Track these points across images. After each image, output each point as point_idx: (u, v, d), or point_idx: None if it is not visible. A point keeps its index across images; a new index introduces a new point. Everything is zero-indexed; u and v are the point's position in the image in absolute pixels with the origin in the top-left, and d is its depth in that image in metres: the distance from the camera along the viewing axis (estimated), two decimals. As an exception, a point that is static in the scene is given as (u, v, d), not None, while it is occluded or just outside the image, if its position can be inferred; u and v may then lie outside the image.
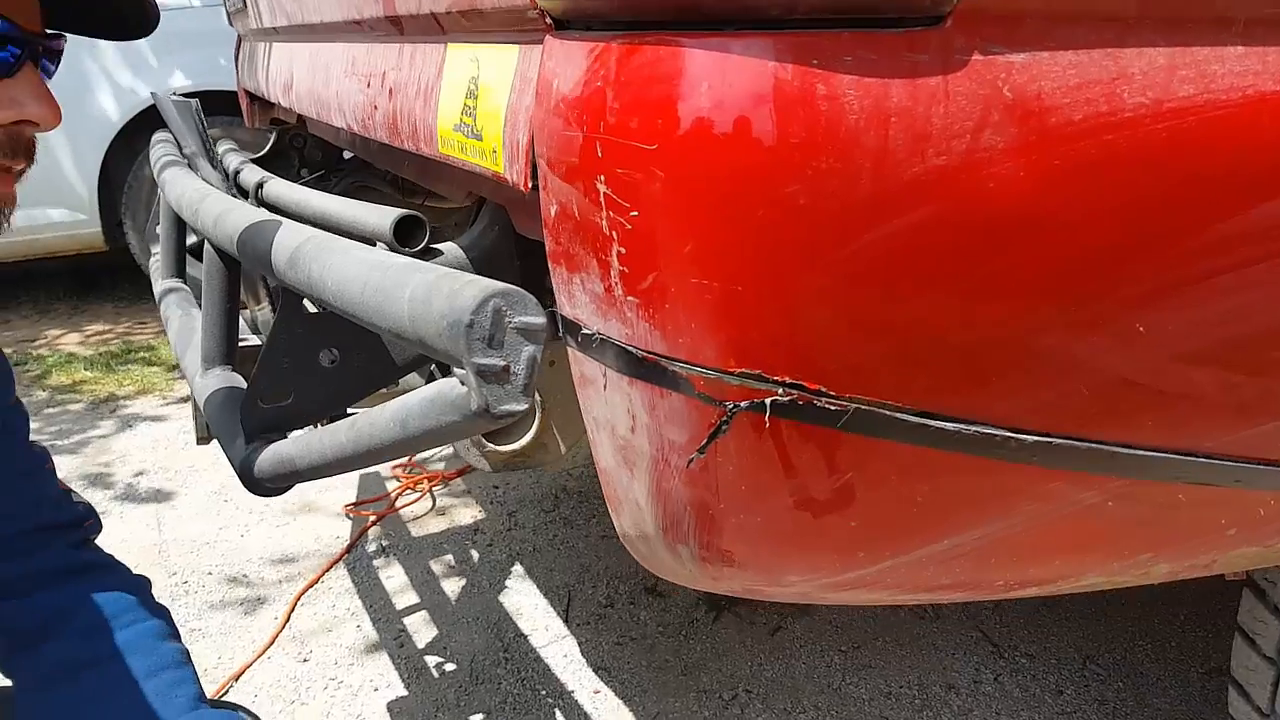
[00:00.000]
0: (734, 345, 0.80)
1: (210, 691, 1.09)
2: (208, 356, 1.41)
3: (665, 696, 2.06)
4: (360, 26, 1.36)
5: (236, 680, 2.17)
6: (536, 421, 1.36)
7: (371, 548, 2.68)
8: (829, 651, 2.19)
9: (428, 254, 1.18)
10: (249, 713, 1.15)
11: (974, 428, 0.84)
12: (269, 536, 2.77)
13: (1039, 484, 0.89)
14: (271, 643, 2.29)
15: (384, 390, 1.36)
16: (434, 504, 2.90)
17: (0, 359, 1.10)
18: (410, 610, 2.40)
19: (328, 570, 2.57)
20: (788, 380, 0.80)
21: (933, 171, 0.74)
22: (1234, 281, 0.83)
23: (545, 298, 0.88)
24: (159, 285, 1.94)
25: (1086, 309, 0.81)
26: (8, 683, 1.07)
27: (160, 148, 2.01)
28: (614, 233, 0.80)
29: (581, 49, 0.82)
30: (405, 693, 2.11)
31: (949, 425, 0.83)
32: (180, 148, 2.00)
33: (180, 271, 1.98)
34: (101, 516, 1.21)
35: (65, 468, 3.10)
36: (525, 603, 2.41)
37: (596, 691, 2.09)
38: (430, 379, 1.39)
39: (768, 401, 0.81)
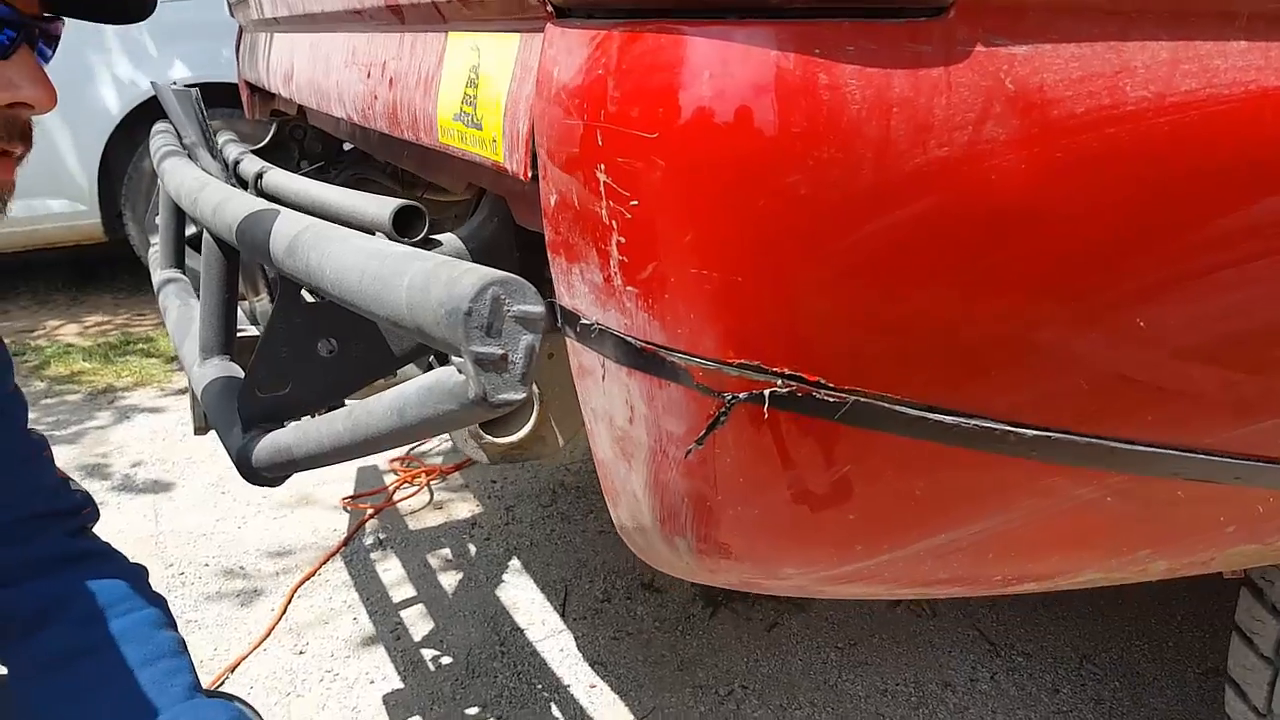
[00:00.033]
0: (733, 336, 0.79)
1: (206, 683, 1.08)
2: (206, 346, 1.41)
3: (661, 691, 2.06)
4: (361, 16, 1.36)
5: (232, 672, 2.16)
6: (535, 414, 1.35)
7: (369, 541, 2.68)
8: (825, 648, 2.18)
9: (427, 245, 1.17)
10: (244, 703, 1.14)
11: (973, 421, 0.83)
12: (266, 529, 2.77)
13: (1038, 479, 0.88)
14: (268, 635, 2.29)
15: (382, 381, 1.36)
16: (431, 498, 2.90)
17: None
18: (407, 603, 2.40)
19: (325, 563, 2.57)
20: (786, 372, 0.80)
21: (934, 163, 0.74)
22: (1235, 277, 0.83)
23: (544, 289, 0.88)
24: (158, 275, 1.94)
25: (1087, 303, 0.81)
26: (3, 670, 1.06)
27: (160, 138, 2.01)
28: (614, 222, 0.80)
29: (583, 37, 0.82)
30: (401, 685, 2.10)
31: (948, 419, 0.83)
32: (180, 138, 1.99)
33: (179, 262, 1.97)
34: (99, 507, 1.21)
35: (63, 458, 3.10)
36: (522, 597, 2.41)
37: (592, 686, 2.08)
38: (428, 370, 1.39)
39: (766, 393, 0.81)
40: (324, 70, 1.56)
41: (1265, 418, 0.91)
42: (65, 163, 4.52)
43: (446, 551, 2.61)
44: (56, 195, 4.55)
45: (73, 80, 4.39)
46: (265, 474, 1.20)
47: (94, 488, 2.97)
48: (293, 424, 1.17)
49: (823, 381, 0.80)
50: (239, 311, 1.64)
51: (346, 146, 2.15)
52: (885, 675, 2.10)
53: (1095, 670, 2.09)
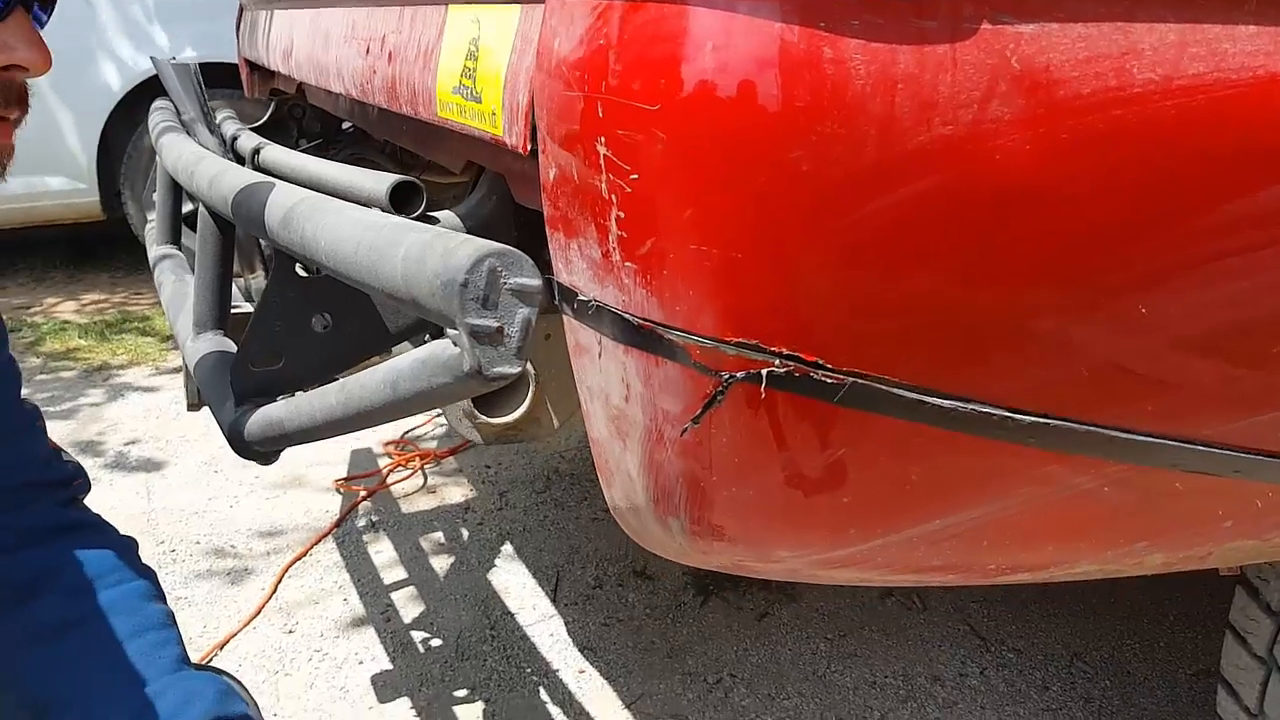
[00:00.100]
0: (731, 314, 0.78)
1: (195, 659, 1.08)
2: (200, 321, 1.40)
3: (650, 678, 2.05)
4: (363, -10, 1.35)
5: (221, 649, 2.16)
6: (530, 395, 1.35)
7: (361, 523, 2.68)
8: (815, 639, 2.18)
9: (424, 221, 1.16)
10: (232, 677, 1.14)
11: (972, 406, 0.83)
12: (258, 508, 2.76)
13: (1035, 466, 0.88)
14: (258, 613, 2.28)
15: (376, 359, 1.35)
16: (425, 481, 2.89)
17: None
18: (398, 586, 2.39)
19: (316, 543, 2.56)
20: (785, 351, 0.79)
21: (938, 141, 0.73)
22: (1241, 265, 0.82)
23: (543, 270, 0.87)
24: (154, 251, 1.93)
25: (1089, 287, 0.80)
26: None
27: (159, 114, 2.00)
28: (613, 196, 0.79)
29: (584, 8, 0.81)
30: (390, 666, 2.10)
31: (946, 403, 0.82)
32: (179, 114, 1.98)
33: (176, 238, 1.96)
34: (91, 483, 1.20)
35: (56, 435, 3.09)
36: (513, 582, 2.40)
37: (581, 671, 2.08)
38: (423, 349, 1.38)
39: (764, 372, 0.80)
40: (323, 46, 1.55)
41: (1266, 410, 0.91)
42: (65, 140, 4.51)
43: (439, 535, 2.61)
44: (55, 173, 4.54)
45: (73, 58, 4.38)
46: (257, 448, 1.19)
47: (87, 464, 2.94)
48: (285, 398, 1.16)
49: (821, 362, 0.80)
50: (234, 288, 1.63)
51: (345, 125, 2.14)
52: (874, 667, 2.09)
53: (1086, 668, 2.09)
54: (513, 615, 2.27)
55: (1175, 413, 0.88)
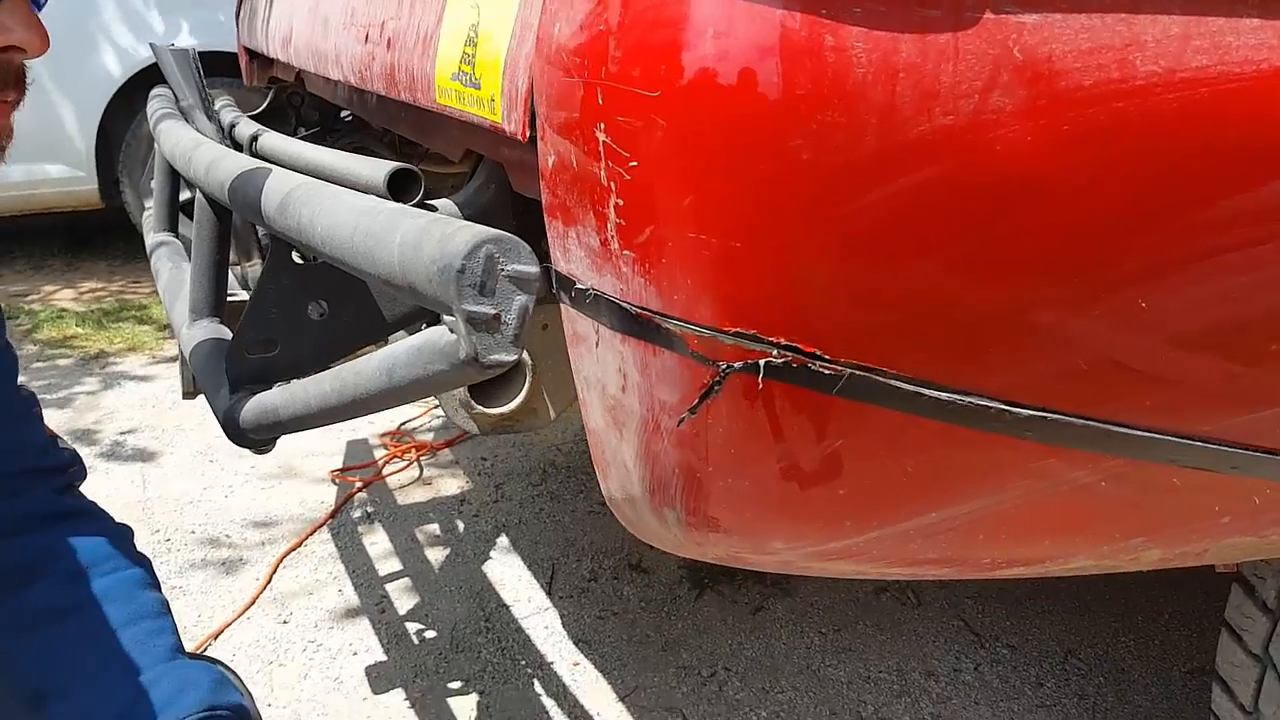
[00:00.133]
0: (729, 303, 0.78)
1: (189, 649, 1.07)
2: (195, 308, 1.40)
3: (644, 671, 2.05)
4: (363, -23, 1.34)
5: (215, 639, 2.15)
6: (527, 385, 1.34)
7: (356, 514, 2.67)
8: (810, 633, 2.18)
9: (422, 209, 1.16)
10: (226, 667, 1.13)
11: (970, 399, 0.82)
12: (253, 498, 2.76)
13: (1033, 460, 0.87)
14: (252, 603, 2.28)
15: (372, 347, 1.35)
16: (421, 473, 2.89)
17: None
18: (393, 577, 2.39)
19: (311, 534, 2.56)
20: (783, 341, 0.79)
21: (939, 131, 0.73)
22: (1242, 260, 0.82)
23: (541, 259, 0.87)
24: (151, 238, 1.93)
25: (1088, 281, 0.80)
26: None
27: (157, 101, 1.99)
28: (612, 184, 0.79)
29: (585, -7, 0.80)
30: (384, 658, 2.10)
31: (944, 395, 0.82)
32: (177, 100, 1.97)
33: (173, 225, 1.96)
34: (87, 471, 1.19)
35: (53, 423, 3.08)
36: (508, 574, 2.40)
37: (576, 664, 2.08)
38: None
39: (761, 363, 0.79)
40: (322, 33, 1.54)
41: (1265, 407, 0.90)
42: (64, 127, 4.50)
43: (434, 527, 2.60)
44: (54, 160, 4.52)
45: (73, 45, 4.37)
46: (252, 435, 1.19)
47: (83, 452, 2.93)
48: (280, 385, 1.16)
49: (819, 353, 0.79)
50: (230, 276, 1.63)
51: (344, 114, 2.13)
52: (869, 662, 2.09)
53: (1080, 665, 2.09)
54: (508, 607, 2.27)
55: (1173, 408, 0.88)
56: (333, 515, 2.65)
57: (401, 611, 2.25)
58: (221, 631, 2.18)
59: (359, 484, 2.80)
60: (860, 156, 0.73)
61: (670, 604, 2.28)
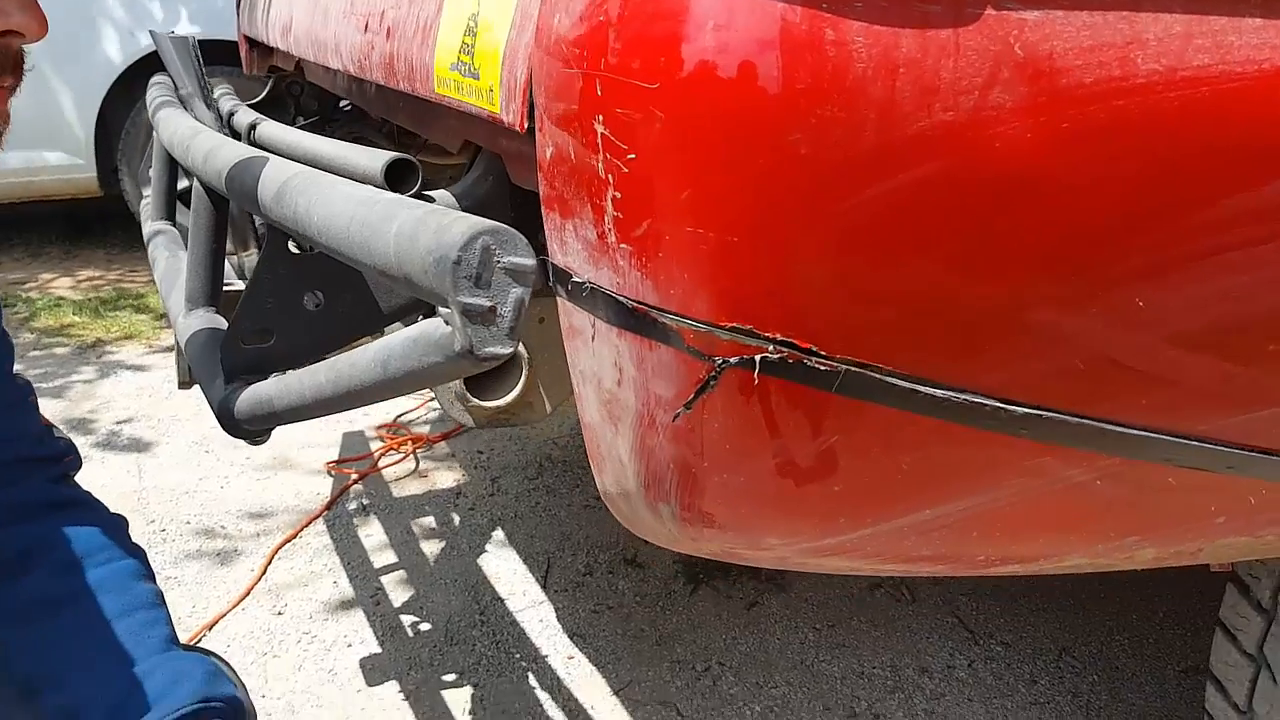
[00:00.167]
0: (726, 298, 0.78)
1: (183, 640, 1.07)
2: (192, 297, 1.39)
3: (639, 666, 2.05)
4: (362, -33, 1.33)
5: (210, 630, 2.15)
6: (523, 378, 1.34)
7: (352, 506, 2.67)
8: (804, 628, 2.18)
9: (419, 200, 1.15)
10: (220, 659, 1.13)
11: (965, 396, 0.82)
12: (249, 489, 2.75)
13: (1028, 458, 0.87)
14: (247, 594, 2.28)
15: (368, 339, 1.34)
16: (417, 466, 2.89)
17: None
18: (388, 569, 2.38)
19: (307, 525, 2.55)
20: (779, 337, 0.78)
21: (938, 127, 0.73)
22: (1240, 260, 0.81)
23: (538, 252, 0.86)
24: (148, 227, 1.92)
25: (1086, 279, 0.79)
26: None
27: (156, 89, 1.99)
28: (610, 176, 0.78)
29: (585, -16, 0.80)
30: (379, 650, 2.10)
31: (940, 392, 0.82)
32: (176, 89, 1.97)
33: (170, 214, 1.95)
34: (82, 460, 1.19)
35: (48, 411, 3.07)
36: (504, 567, 2.40)
37: (570, 658, 2.08)
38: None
39: (757, 358, 0.79)
40: (322, 21, 1.54)
41: (1261, 407, 0.90)
42: (64, 115, 4.49)
43: (430, 520, 2.60)
44: (53, 147, 4.51)
45: (73, 32, 4.36)
46: (247, 426, 1.18)
47: (79, 442, 2.92)
48: (275, 376, 1.15)
49: (815, 349, 0.79)
50: (228, 266, 1.62)
51: (343, 104, 2.13)
52: (862, 658, 2.09)
53: (1074, 663, 2.09)
54: (503, 601, 2.27)
55: (1170, 407, 0.88)
56: (328, 507, 2.64)
57: (396, 604, 2.25)
58: (216, 622, 2.17)
59: (355, 476, 2.80)
60: (859, 152, 0.72)
61: (665, 599, 2.28)
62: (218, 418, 1.20)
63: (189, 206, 1.49)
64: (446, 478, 2.82)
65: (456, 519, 2.61)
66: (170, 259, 1.69)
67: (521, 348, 1.26)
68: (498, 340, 0.77)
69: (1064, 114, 0.74)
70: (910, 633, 2.18)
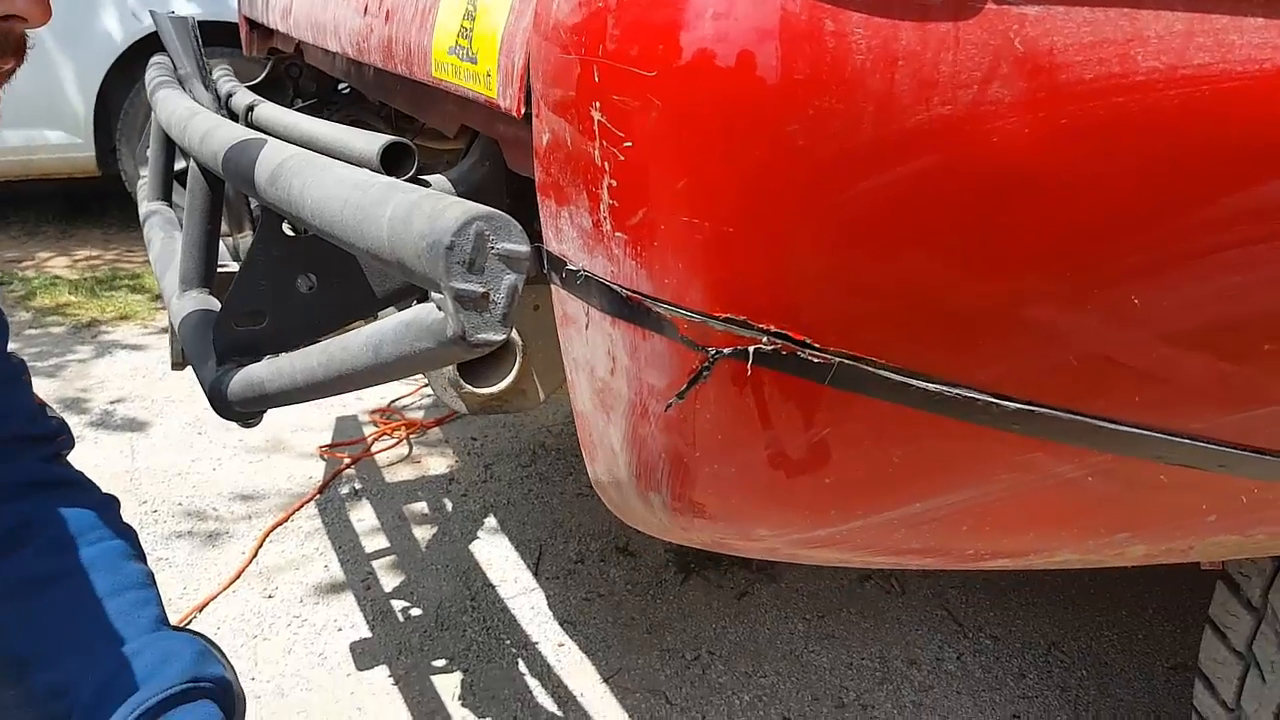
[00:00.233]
0: (720, 289, 0.78)
1: (173, 621, 1.07)
2: (186, 278, 1.39)
3: (629, 653, 2.06)
4: (362, -51, 1.33)
5: (200, 612, 2.15)
6: (517, 366, 1.34)
7: (344, 490, 2.67)
8: (794, 619, 2.18)
9: (415, 184, 1.15)
10: (210, 641, 1.13)
11: (957, 390, 0.82)
12: (241, 472, 2.75)
13: (1019, 453, 0.87)
14: (237, 577, 2.28)
15: (360, 323, 1.34)
16: (410, 451, 2.88)
17: None
18: (379, 554, 2.38)
19: (299, 509, 2.55)
20: (772, 329, 0.78)
21: (936, 120, 0.72)
22: (1237, 259, 0.81)
23: (533, 239, 0.86)
24: (144, 207, 1.92)
25: (1082, 276, 0.79)
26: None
27: (155, 69, 1.98)
28: (606, 164, 0.78)
29: (584, -30, 0.79)
30: (369, 634, 2.10)
31: (932, 386, 0.81)
32: (175, 69, 1.96)
33: (167, 195, 1.95)
34: (75, 440, 1.19)
35: (43, 391, 3.07)
36: (495, 554, 2.40)
37: (561, 645, 2.08)
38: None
39: (751, 349, 0.79)
40: (321, 4, 1.53)
41: (1254, 406, 0.90)
42: (64, 94, 4.48)
43: (422, 505, 2.60)
44: (53, 126, 4.50)
45: (74, 10, 4.34)
46: (238, 408, 1.18)
47: (72, 421, 2.94)
48: (267, 358, 1.15)
49: (808, 341, 0.79)
50: (222, 247, 1.62)
51: (342, 87, 2.12)
52: (852, 649, 2.09)
53: (1063, 658, 2.09)
54: (494, 587, 2.27)
55: (1163, 405, 0.88)
56: (320, 491, 2.64)
57: (387, 589, 2.25)
58: (206, 604, 2.17)
59: (347, 460, 2.80)
60: (856, 144, 0.72)
61: (656, 587, 2.28)
62: (209, 399, 1.19)
63: (185, 187, 1.48)
64: (439, 463, 2.82)
65: (449, 505, 2.61)
66: (166, 239, 1.68)
67: (515, 335, 1.26)
68: (490, 327, 0.77)
69: (1063, 110, 0.74)
70: (900, 625, 2.18)
